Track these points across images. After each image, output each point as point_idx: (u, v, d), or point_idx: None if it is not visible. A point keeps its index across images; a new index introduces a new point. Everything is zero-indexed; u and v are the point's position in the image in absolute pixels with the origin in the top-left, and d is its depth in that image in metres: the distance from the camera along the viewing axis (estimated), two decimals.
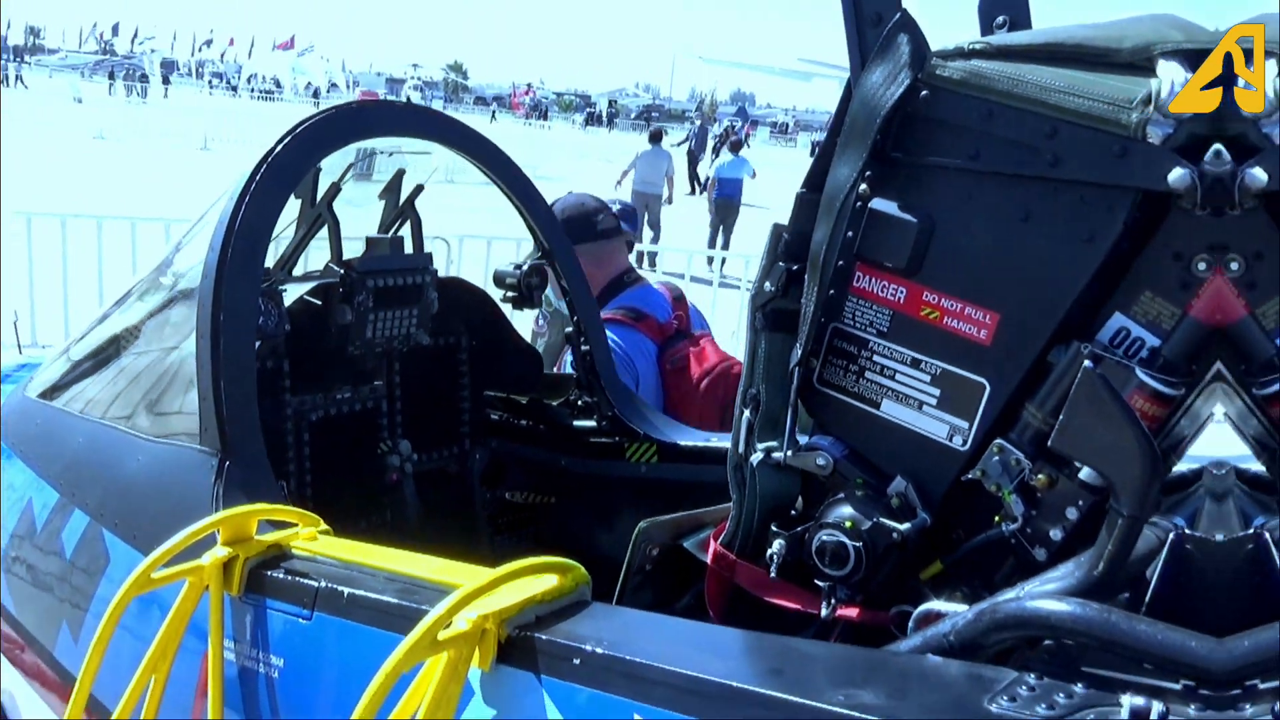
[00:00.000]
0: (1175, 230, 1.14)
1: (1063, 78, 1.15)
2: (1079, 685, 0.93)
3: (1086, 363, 1.10)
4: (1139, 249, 1.17)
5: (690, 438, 2.46)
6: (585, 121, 57.04)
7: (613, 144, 33.65)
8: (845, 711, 0.96)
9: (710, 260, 10.71)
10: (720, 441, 2.36)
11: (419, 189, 2.43)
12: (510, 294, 2.56)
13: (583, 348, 2.54)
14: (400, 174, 2.39)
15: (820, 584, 1.37)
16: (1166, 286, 1.15)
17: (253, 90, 55.14)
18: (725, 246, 13.10)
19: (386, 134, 2.18)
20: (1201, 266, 1.12)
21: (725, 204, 13.97)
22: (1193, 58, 1.11)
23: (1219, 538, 1.04)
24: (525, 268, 2.53)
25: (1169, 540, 1.04)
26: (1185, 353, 1.13)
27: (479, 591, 1.27)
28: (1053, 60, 1.18)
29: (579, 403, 2.62)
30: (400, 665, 1.22)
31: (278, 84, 57.78)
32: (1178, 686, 0.91)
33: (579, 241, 2.80)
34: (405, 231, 2.46)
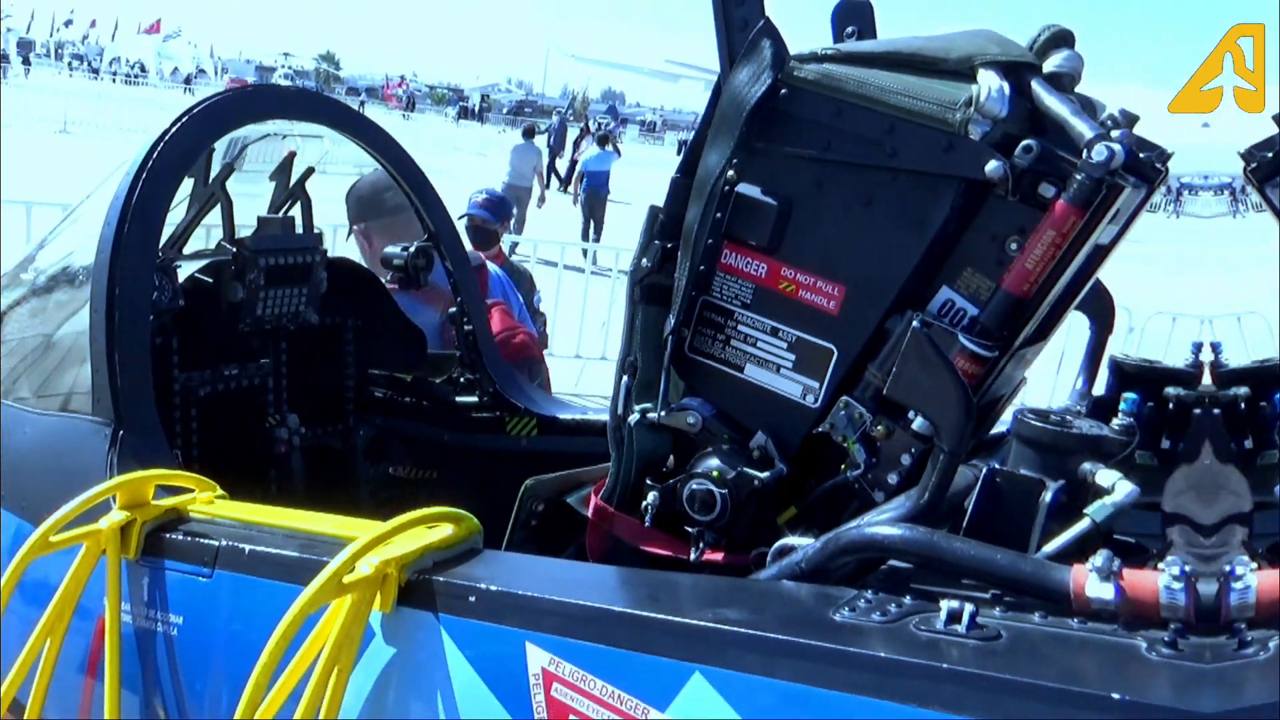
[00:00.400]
0: (992, 214, 1.33)
1: (900, 82, 1.34)
2: (908, 598, 1.11)
3: (915, 323, 1.27)
4: (963, 231, 1.36)
5: (569, 412, 2.59)
6: (458, 115, 56.28)
7: (486, 138, 33.36)
8: (712, 625, 1.10)
9: (585, 252, 10.89)
10: (597, 415, 2.50)
11: (310, 171, 2.48)
12: (397, 275, 2.63)
13: (465, 327, 2.63)
14: (292, 156, 2.44)
15: (690, 530, 1.52)
16: (985, 263, 1.35)
17: (114, 74, 52.17)
18: (596, 238, 13.38)
19: (281, 117, 2.22)
20: (1013, 246, 1.32)
21: (593, 195, 14.31)
22: (1007, 68, 1.31)
23: (1024, 472, 1.24)
24: (412, 250, 2.60)
25: (982, 474, 1.23)
26: (999, 320, 1.33)
27: (380, 539, 1.37)
28: (892, 66, 1.36)
29: (461, 380, 2.71)
30: (307, 607, 1.31)
31: (143, 68, 54.97)
32: (987, 595, 1.10)
33: (372, 218, 2.93)
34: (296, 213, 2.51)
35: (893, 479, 1.39)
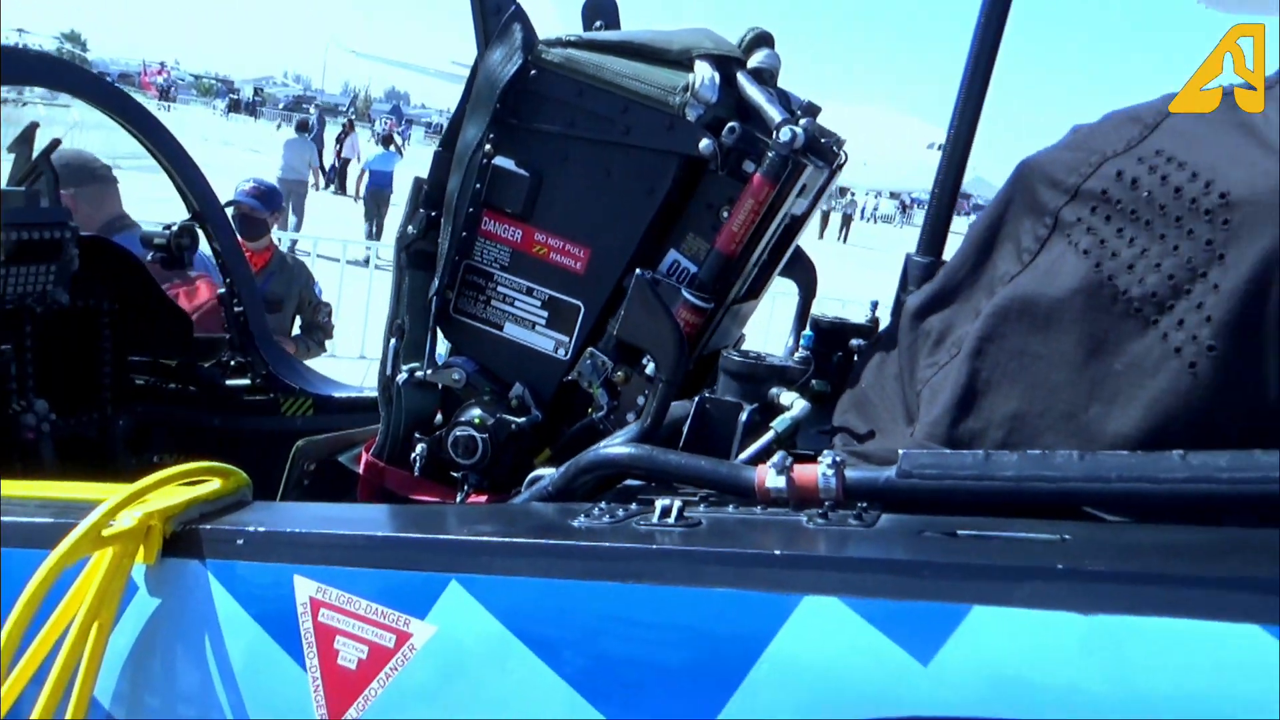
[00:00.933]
0: (708, 187, 1.55)
1: (631, 68, 1.53)
2: (634, 505, 1.29)
3: (638, 272, 1.47)
4: (686, 201, 1.57)
5: (345, 390, 2.64)
6: (228, 109, 53.16)
7: (260, 134, 31.74)
8: (466, 538, 1.24)
9: (367, 258, 10.71)
10: (373, 392, 2.57)
11: (55, 143, 2.39)
12: (159, 255, 2.58)
13: (236, 309, 2.62)
14: (34, 126, 2.34)
15: (456, 476, 1.65)
16: (703, 228, 1.56)
17: None
18: (379, 235, 13.27)
19: (23, 83, 2.15)
20: (724, 214, 1.54)
21: (377, 194, 14.28)
22: (718, 60, 1.53)
23: (727, 398, 1.46)
24: (175, 228, 2.56)
25: (696, 401, 1.45)
26: (713, 276, 1.55)
27: (143, 491, 1.40)
28: (626, 54, 1.55)
29: (231, 363, 2.69)
30: (63, 561, 1.31)
31: None
32: (696, 496, 1.30)
33: (79, 184, 2.90)
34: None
35: (631, 418, 1.58)
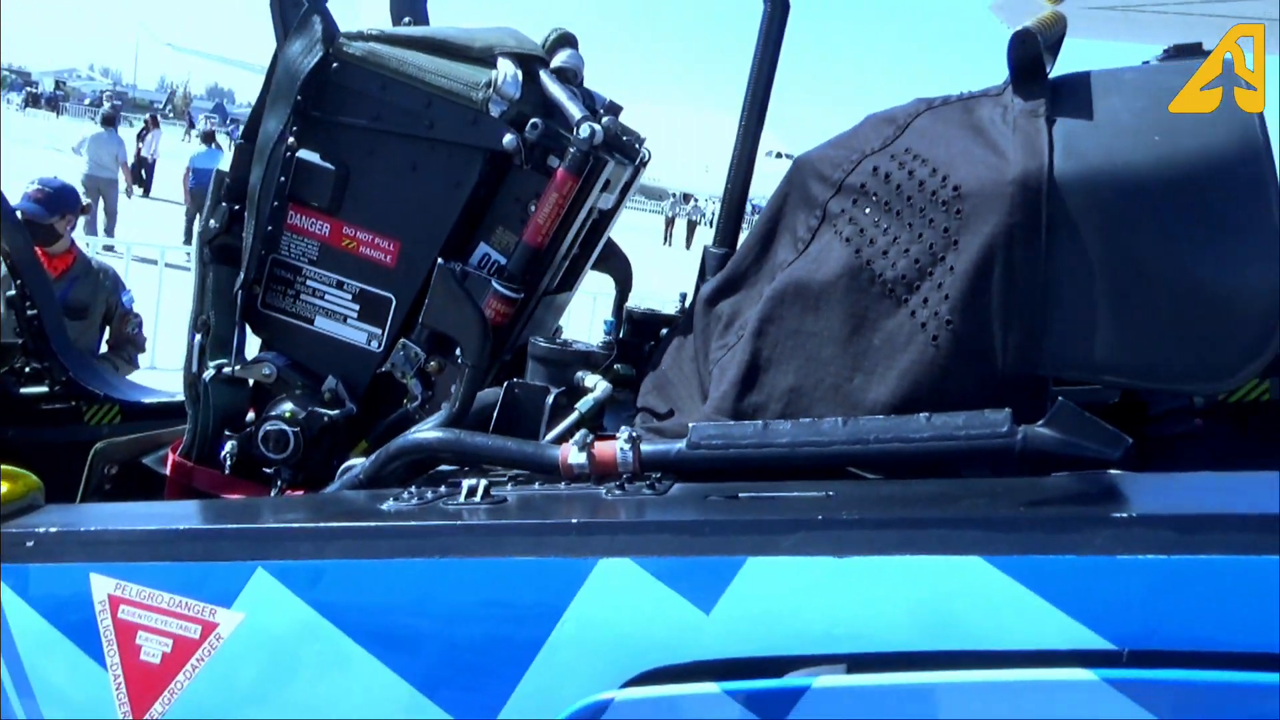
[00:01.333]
0: (515, 181, 1.61)
1: (435, 63, 1.56)
2: (442, 487, 1.33)
3: (440, 261, 1.51)
4: (493, 195, 1.62)
5: (154, 396, 2.54)
6: (25, 103, 49.16)
7: (62, 131, 29.55)
8: (271, 525, 1.25)
9: (188, 255, 10.20)
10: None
11: None
12: None
13: (29, 312, 2.48)
14: None
15: (268, 472, 1.64)
16: (511, 222, 1.62)
17: None
18: None
19: None
20: (531, 207, 1.60)
21: (200, 192, 13.69)
22: (521, 58, 1.59)
23: (535, 382, 1.53)
24: None
25: (504, 387, 1.50)
26: (521, 267, 1.60)
27: None
28: (429, 49, 1.59)
29: (26, 370, 2.54)
30: None
31: None
32: (505, 477, 1.35)
33: None
34: None
35: (446, 408, 1.62)
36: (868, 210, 1.27)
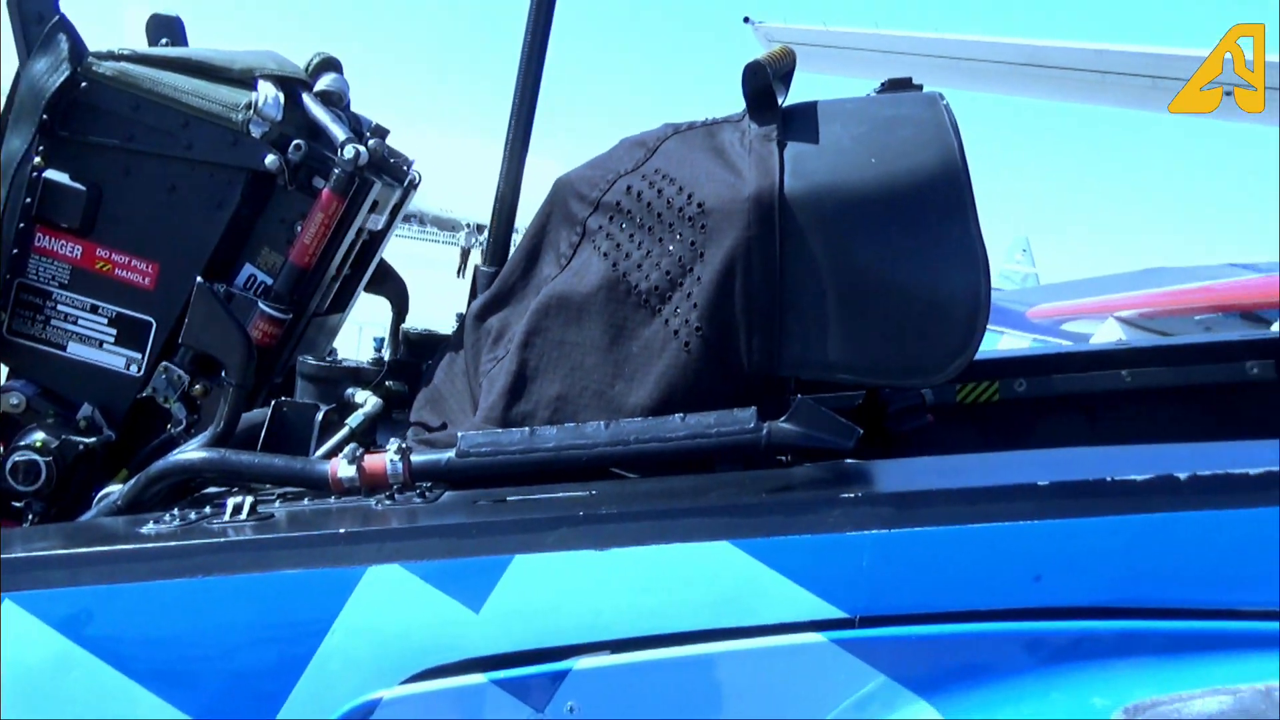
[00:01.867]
0: (280, 202, 1.61)
1: (191, 84, 1.54)
2: (206, 507, 1.30)
3: (199, 280, 1.48)
4: (257, 216, 1.61)
5: None
6: None
7: None
8: (18, 555, 1.18)
9: None
10: None
11: None
12: None
13: None
14: None
15: (18, 506, 1.54)
16: (277, 243, 1.61)
17: None
18: None
19: None
20: (298, 228, 1.60)
21: None
22: (282, 81, 1.59)
23: (304, 400, 1.53)
24: None
25: (272, 405, 1.49)
26: (288, 287, 1.60)
27: None
28: (185, 70, 1.56)
29: None
30: None
31: None
32: (274, 495, 1.34)
33: None
34: None
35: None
36: (623, 226, 1.36)
